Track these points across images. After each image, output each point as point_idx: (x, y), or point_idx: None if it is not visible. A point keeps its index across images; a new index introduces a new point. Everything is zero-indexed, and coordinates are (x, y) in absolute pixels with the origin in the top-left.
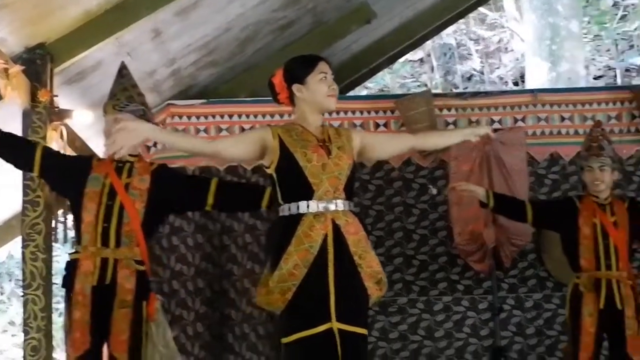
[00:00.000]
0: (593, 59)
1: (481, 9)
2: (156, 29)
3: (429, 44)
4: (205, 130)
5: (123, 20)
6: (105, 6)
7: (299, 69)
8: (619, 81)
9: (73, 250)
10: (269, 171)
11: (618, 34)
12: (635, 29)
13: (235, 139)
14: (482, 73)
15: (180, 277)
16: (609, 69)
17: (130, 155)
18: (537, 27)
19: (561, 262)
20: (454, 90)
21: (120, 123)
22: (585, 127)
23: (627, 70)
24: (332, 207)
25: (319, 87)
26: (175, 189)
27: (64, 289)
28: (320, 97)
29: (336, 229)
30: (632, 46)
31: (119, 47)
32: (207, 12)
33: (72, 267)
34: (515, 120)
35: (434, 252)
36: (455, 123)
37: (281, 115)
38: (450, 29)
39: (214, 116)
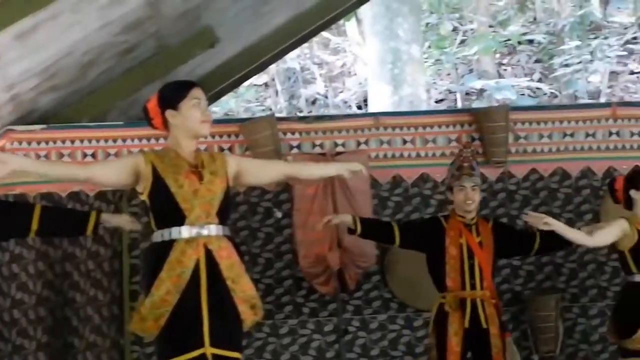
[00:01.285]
0: (434, 83)
1: (324, 34)
2: None
3: (273, 68)
4: (46, 156)
5: None
6: None
7: (172, 95)
8: (459, 104)
9: None
10: (142, 197)
11: (458, 58)
12: (475, 54)
13: (109, 165)
14: (326, 97)
15: (21, 305)
16: (450, 93)
17: None
18: (379, 52)
19: (405, 283)
20: (299, 114)
21: None
22: (427, 150)
23: (467, 93)
24: (204, 232)
25: (192, 113)
26: None
27: None
28: (193, 123)
29: (208, 254)
30: (471, 70)
31: None
32: (48, 36)
33: None
34: (359, 144)
35: (280, 275)
36: (299, 146)
37: (124, 140)
38: (294, 53)
39: (55, 141)
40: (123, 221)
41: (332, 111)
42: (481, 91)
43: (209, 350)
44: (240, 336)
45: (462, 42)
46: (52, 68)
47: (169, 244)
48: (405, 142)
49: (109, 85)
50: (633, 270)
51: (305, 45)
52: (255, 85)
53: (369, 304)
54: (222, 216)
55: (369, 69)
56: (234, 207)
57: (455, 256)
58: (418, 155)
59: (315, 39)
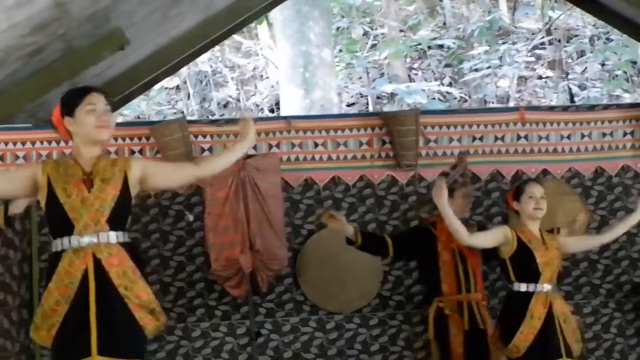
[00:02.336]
0: (346, 87)
1: (236, 37)
2: None
3: (184, 71)
4: None
5: None
6: None
7: (68, 102)
8: (370, 108)
9: None
10: (42, 207)
11: (369, 62)
12: (385, 58)
13: (8, 176)
14: (239, 100)
15: None
16: (361, 97)
17: None
18: (291, 55)
19: (317, 286)
20: (210, 117)
21: None
22: (338, 153)
23: (378, 97)
24: (93, 240)
25: (87, 119)
26: None
27: None
28: (88, 129)
29: (97, 262)
30: (382, 74)
31: None
32: None
33: None
34: (270, 147)
35: (192, 278)
36: (210, 149)
37: (32, 143)
38: (205, 56)
39: None
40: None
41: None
42: (392, 95)
43: (96, 358)
44: (138, 343)
45: (373, 46)
46: None
47: (60, 254)
48: (316, 145)
49: (16, 88)
50: (512, 279)
51: (217, 48)
52: (166, 88)
53: (281, 307)
54: (115, 223)
55: (281, 72)
56: (145, 211)
57: (449, 261)
58: (329, 158)
59: (226, 42)
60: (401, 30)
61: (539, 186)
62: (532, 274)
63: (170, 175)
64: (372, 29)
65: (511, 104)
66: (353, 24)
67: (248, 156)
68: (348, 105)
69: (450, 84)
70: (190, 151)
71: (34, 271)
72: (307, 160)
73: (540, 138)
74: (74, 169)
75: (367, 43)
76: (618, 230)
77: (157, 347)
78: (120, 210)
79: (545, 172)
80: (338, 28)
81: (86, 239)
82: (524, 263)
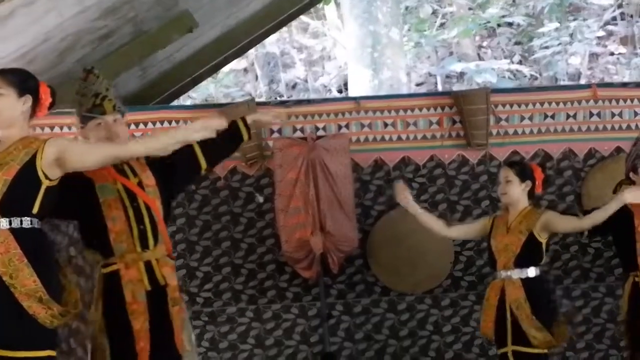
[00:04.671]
0: (414, 66)
1: (303, 18)
2: None
3: (252, 52)
4: None
5: None
6: None
7: None
8: (439, 87)
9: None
10: None
11: (438, 41)
12: (454, 37)
13: None
14: (306, 81)
15: None
16: (430, 76)
17: None
18: (359, 36)
19: (388, 267)
20: (279, 99)
21: None
22: (408, 133)
23: (447, 76)
24: None
25: None
26: None
27: None
28: None
29: None
30: (451, 53)
31: None
32: (24, 22)
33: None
34: (339, 127)
35: (262, 260)
36: (279, 131)
37: None
38: (273, 38)
39: (34, 128)
40: (265, 116)
41: (312, 95)
42: (461, 74)
43: None
44: (29, 334)
45: (442, 25)
46: (29, 54)
47: None
48: (386, 125)
49: None
50: None
51: (284, 29)
52: (234, 70)
53: (352, 288)
54: (9, 209)
55: (349, 52)
56: (215, 193)
57: None
58: (399, 139)
59: (294, 23)
60: (470, 8)
61: (504, 169)
62: (492, 262)
63: (85, 157)
64: (441, 8)
65: (582, 81)
66: (421, 3)
67: (318, 137)
68: (417, 85)
69: (520, 62)
70: (260, 133)
71: None
72: (376, 141)
73: (613, 115)
74: None
75: (435, 22)
76: (596, 217)
77: (228, 329)
78: (16, 195)
79: (618, 150)
80: (406, 7)
81: None
82: (488, 251)
